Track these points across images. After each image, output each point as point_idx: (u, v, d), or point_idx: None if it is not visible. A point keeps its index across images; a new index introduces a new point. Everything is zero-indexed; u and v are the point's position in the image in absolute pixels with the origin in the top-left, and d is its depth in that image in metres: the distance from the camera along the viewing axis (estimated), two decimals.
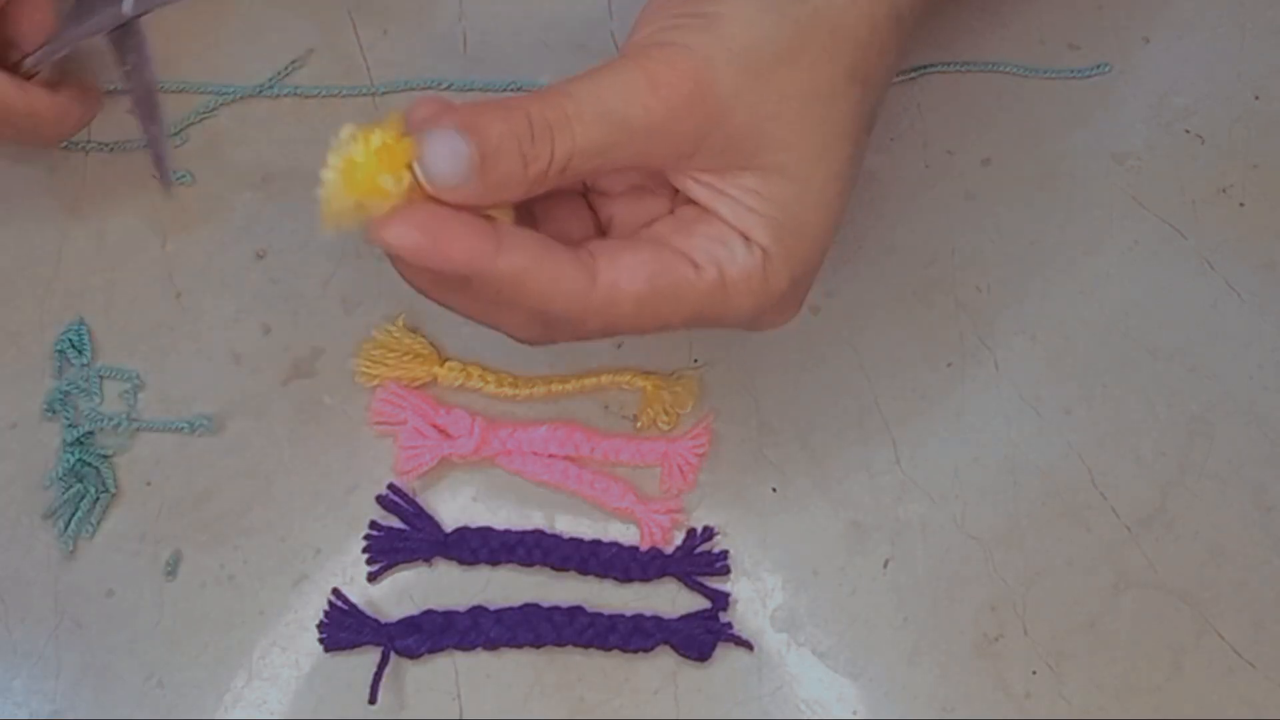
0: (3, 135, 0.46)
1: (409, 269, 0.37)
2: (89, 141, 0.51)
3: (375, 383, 0.48)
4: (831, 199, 0.39)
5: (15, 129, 0.45)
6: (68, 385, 0.48)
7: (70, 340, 0.48)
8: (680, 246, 0.38)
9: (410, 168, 0.34)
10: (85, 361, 0.48)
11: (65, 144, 0.51)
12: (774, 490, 0.48)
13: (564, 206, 0.41)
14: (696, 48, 0.37)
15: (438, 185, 0.34)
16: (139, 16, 0.44)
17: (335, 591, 0.45)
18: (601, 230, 0.41)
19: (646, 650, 0.45)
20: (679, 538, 0.47)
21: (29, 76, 0.46)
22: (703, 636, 0.45)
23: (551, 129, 0.35)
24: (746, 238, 0.38)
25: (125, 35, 0.46)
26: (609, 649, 0.45)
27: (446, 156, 0.34)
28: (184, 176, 0.51)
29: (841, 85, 0.39)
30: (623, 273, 0.37)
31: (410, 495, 0.47)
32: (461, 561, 0.46)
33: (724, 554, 0.46)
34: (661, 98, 0.36)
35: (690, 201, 0.39)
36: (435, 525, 0.47)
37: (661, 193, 0.41)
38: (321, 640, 0.45)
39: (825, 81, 0.38)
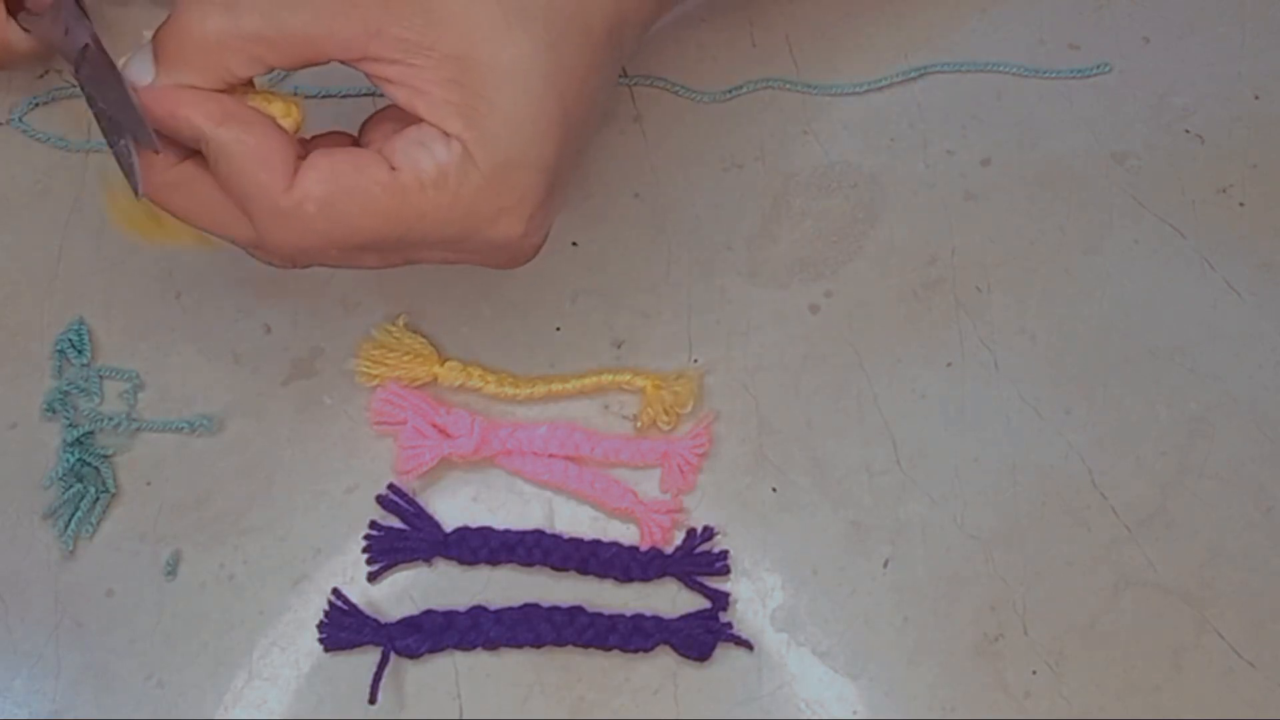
0: None
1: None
2: (89, 142, 0.51)
3: (375, 383, 0.48)
4: (533, 85, 0.37)
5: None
6: (68, 385, 0.48)
7: (70, 340, 0.48)
8: (385, 151, 0.37)
9: None
10: (85, 361, 0.48)
11: (64, 145, 0.51)
12: (774, 490, 0.48)
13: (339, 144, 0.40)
14: None
15: (137, 85, 0.37)
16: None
17: (335, 591, 0.45)
18: None
19: (646, 650, 0.45)
20: (679, 538, 0.47)
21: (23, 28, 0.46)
22: (703, 636, 0.45)
23: (217, 6, 0.36)
24: (445, 132, 0.37)
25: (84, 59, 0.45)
26: (609, 649, 0.45)
27: (135, 61, 0.37)
28: None
29: None
30: (314, 173, 0.37)
31: (410, 495, 0.47)
32: (461, 561, 0.46)
33: (724, 554, 0.46)
34: None
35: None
36: (435, 525, 0.47)
37: None
38: (321, 640, 0.45)
39: None
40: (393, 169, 0.37)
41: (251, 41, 0.36)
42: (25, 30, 0.45)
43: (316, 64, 0.37)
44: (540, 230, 0.40)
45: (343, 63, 0.37)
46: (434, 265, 0.42)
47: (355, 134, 0.41)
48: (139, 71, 0.37)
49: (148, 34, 0.38)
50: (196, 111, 0.37)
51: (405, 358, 0.48)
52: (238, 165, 0.36)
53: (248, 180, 0.37)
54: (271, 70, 0.37)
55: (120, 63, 0.38)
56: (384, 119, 0.40)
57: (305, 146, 0.39)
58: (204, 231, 0.39)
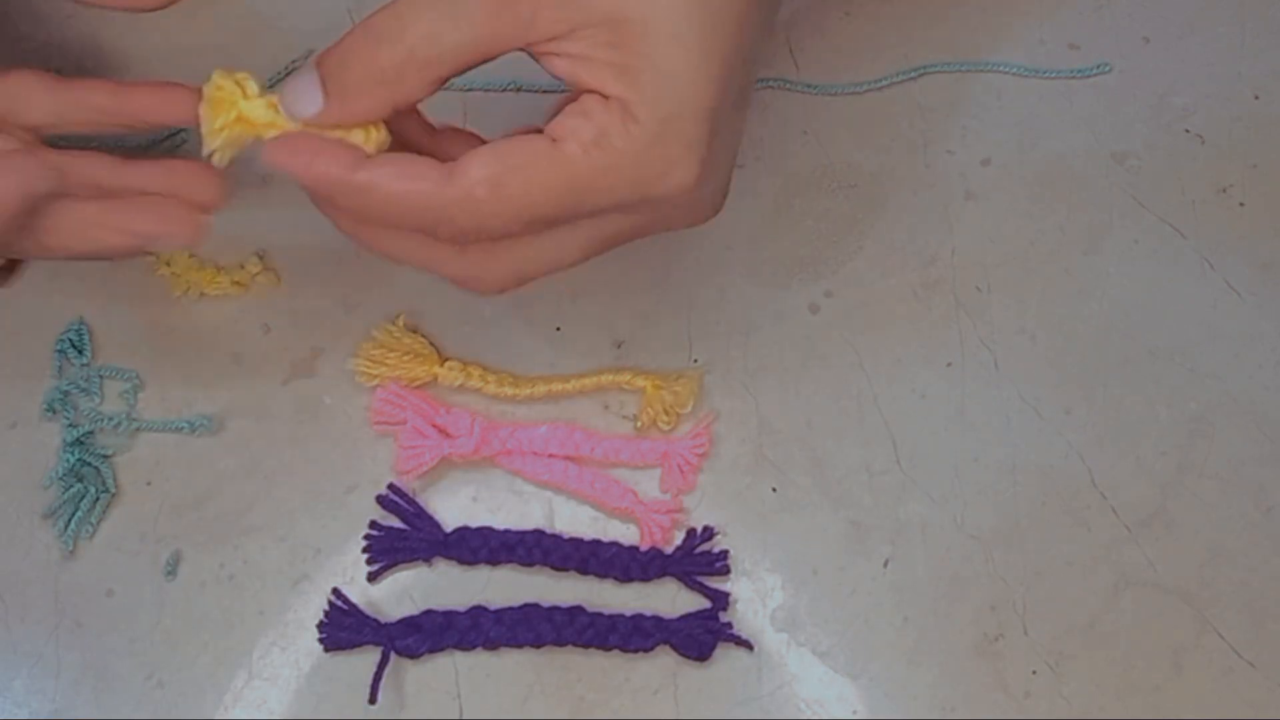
0: None
1: (317, 200, 0.39)
2: (89, 142, 0.51)
3: (375, 382, 0.48)
4: (689, 35, 0.37)
5: None
6: (68, 385, 0.48)
7: (70, 340, 0.48)
8: (546, 128, 0.37)
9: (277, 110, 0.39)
10: (85, 361, 0.48)
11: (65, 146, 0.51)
12: (774, 490, 0.48)
13: None
14: None
15: (296, 116, 0.38)
16: None
17: (335, 591, 0.45)
18: None
19: (646, 650, 0.45)
20: (679, 538, 0.47)
21: None
22: (703, 636, 0.45)
23: (384, 29, 0.37)
24: (604, 95, 0.37)
25: None
26: (609, 649, 0.45)
27: (298, 91, 0.38)
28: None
29: None
30: (475, 160, 0.37)
31: (410, 495, 0.47)
32: (461, 561, 0.46)
33: (724, 554, 0.46)
34: None
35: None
36: (435, 525, 0.47)
37: None
38: (321, 640, 0.45)
39: None
40: (553, 140, 0.37)
41: (425, 65, 0.37)
42: None
43: (483, 63, 0.38)
44: (714, 178, 0.39)
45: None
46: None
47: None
48: (305, 102, 0.38)
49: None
50: (332, 164, 0.37)
51: (405, 358, 0.48)
52: (391, 191, 0.37)
53: (408, 197, 0.37)
54: (442, 86, 0.38)
55: (280, 88, 0.39)
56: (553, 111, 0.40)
57: (442, 141, 0.41)
58: (419, 267, 0.40)
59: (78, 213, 0.41)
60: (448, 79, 0.38)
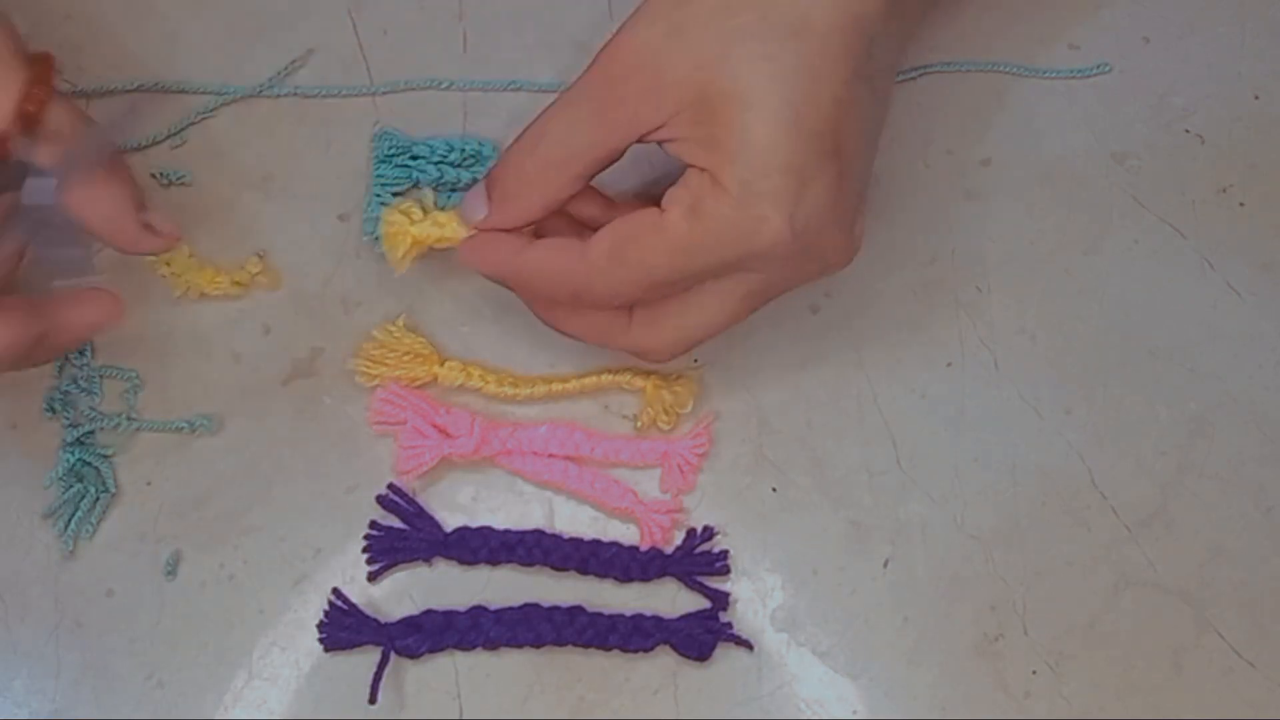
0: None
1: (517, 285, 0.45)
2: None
3: (375, 383, 0.48)
4: (768, 107, 0.40)
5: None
6: (68, 385, 0.48)
7: None
8: (661, 202, 0.42)
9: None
10: (86, 360, 0.48)
11: None
12: (774, 490, 0.48)
13: None
14: (632, 23, 0.42)
15: (470, 222, 0.44)
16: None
17: (335, 591, 0.45)
18: None
19: (646, 650, 0.45)
20: (679, 538, 0.47)
21: None
22: (703, 636, 0.45)
23: (529, 139, 0.43)
24: (699, 167, 0.41)
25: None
26: (609, 649, 0.45)
27: (471, 201, 0.44)
28: (184, 176, 0.51)
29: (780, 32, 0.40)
30: (600, 234, 0.42)
31: (410, 495, 0.47)
32: (461, 561, 0.46)
33: (724, 554, 0.46)
34: (598, 68, 0.42)
35: None
36: (435, 525, 0.47)
37: None
38: (321, 640, 0.45)
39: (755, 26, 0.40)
40: (661, 211, 0.41)
41: (562, 166, 0.42)
42: None
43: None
44: (822, 227, 0.41)
45: None
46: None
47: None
48: (475, 211, 0.44)
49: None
50: (501, 250, 0.44)
51: (405, 358, 0.48)
52: (542, 268, 0.43)
53: (555, 273, 0.43)
54: (587, 183, 0.43)
55: (454, 203, 0.46)
56: None
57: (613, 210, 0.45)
58: (599, 345, 0.45)
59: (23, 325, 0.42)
60: (589, 176, 0.43)
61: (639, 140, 0.42)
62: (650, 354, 0.45)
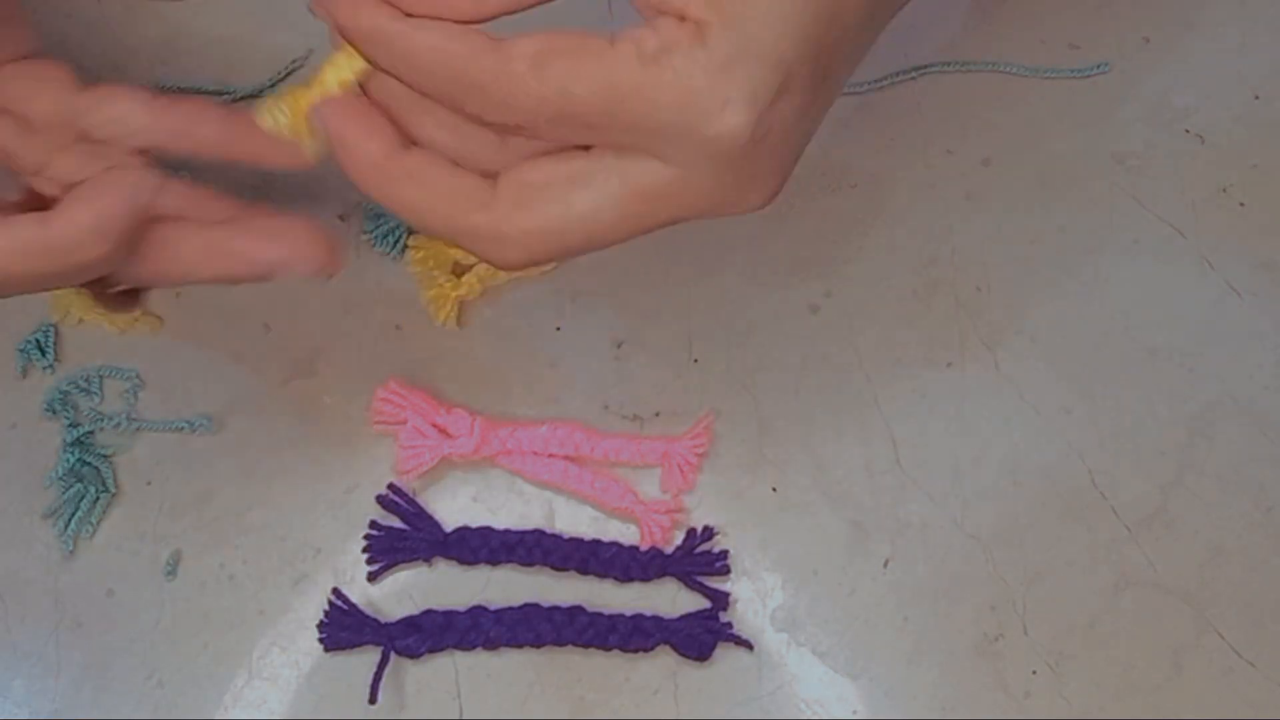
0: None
1: (341, 122, 0.37)
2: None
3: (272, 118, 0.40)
4: None
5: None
6: (68, 385, 0.48)
7: (36, 341, 0.48)
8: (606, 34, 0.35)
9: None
10: (49, 364, 0.48)
11: None
12: (774, 490, 0.48)
13: None
14: None
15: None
16: None
17: (335, 591, 0.45)
18: None
19: (646, 650, 0.45)
20: (679, 538, 0.47)
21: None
22: (703, 636, 0.45)
23: None
24: (682, 16, 0.35)
25: None
26: (609, 649, 0.45)
27: None
28: (184, 176, 0.50)
29: None
30: (526, 37, 0.35)
31: (410, 495, 0.47)
32: (461, 561, 0.46)
33: (724, 554, 0.46)
34: None
35: None
36: (435, 525, 0.47)
37: None
38: (321, 640, 0.45)
39: None
40: (611, 42, 0.35)
41: None
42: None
43: None
44: (768, 153, 0.36)
45: None
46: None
47: None
48: None
49: None
50: (383, 10, 0.35)
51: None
52: (434, 43, 0.35)
53: (448, 55, 0.35)
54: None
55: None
56: None
57: None
58: (429, 225, 0.38)
59: (200, 237, 0.40)
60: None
61: None
62: (504, 243, 0.37)
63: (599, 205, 0.36)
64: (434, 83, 0.35)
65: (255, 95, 0.52)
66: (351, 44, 0.37)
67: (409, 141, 0.38)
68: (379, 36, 0.35)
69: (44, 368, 0.48)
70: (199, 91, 0.52)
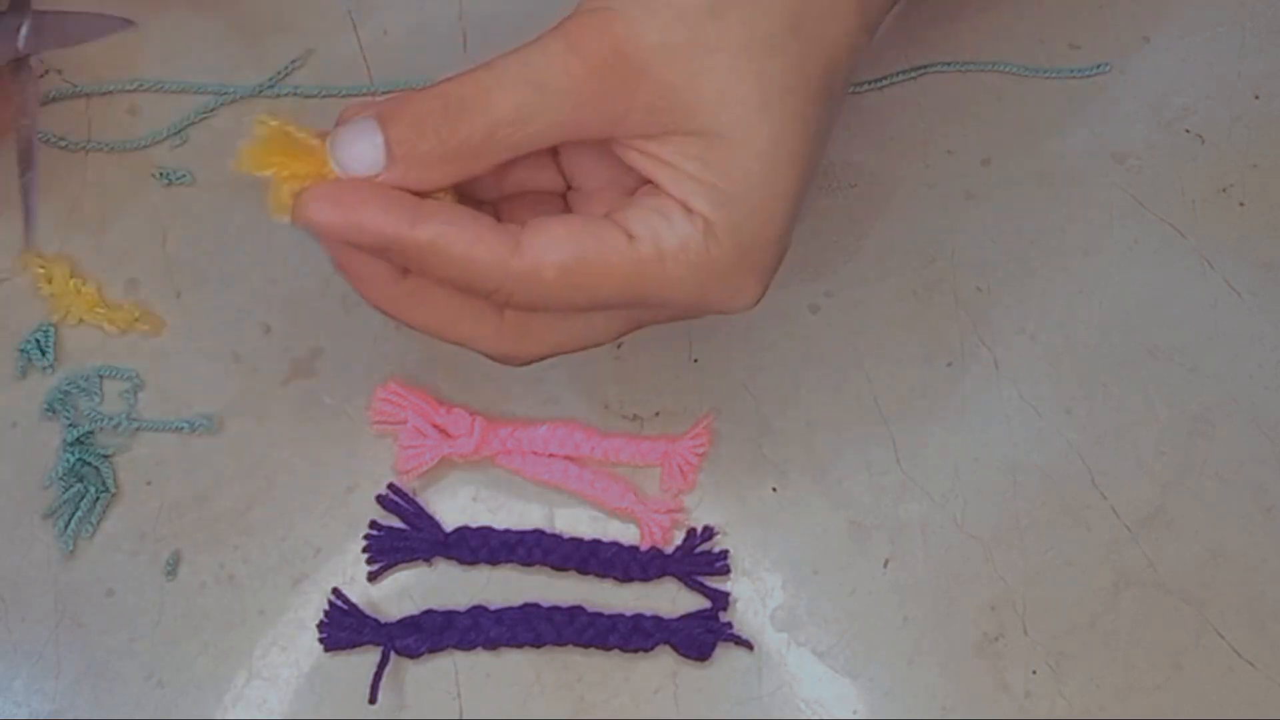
0: None
1: (340, 255, 0.38)
2: (89, 141, 0.51)
3: (262, 171, 0.37)
4: (780, 161, 0.36)
5: None
6: (68, 385, 0.48)
7: (36, 341, 0.48)
8: (618, 219, 0.37)
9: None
10: (49, 364, 0.48)
11: (64, 145, 0.51)
12: (774, 490, 0.48)
13: (538, 207, 0.40)
14: (618, 7, 0.36)
15: (350, 174, 0.35)
16: (28, 56, 0.40)
17: (335, 591, 0.45)
18: None
19: (646, 650, 0.45)
20: (679, 538, 0.47)
21: None
22: (703, 636, 0.45)
23: (466, 102, 0.35)
24: (687, 208, 0.36)
25: (16, 70, 0.42)
26: (609, 649, 0.45)
27: (356, 145, 0.35)
28: (184, 176, 0.51)
29: (778, 39, 0.36)
30: (548, 240, 0.36)
31: (410, 495, 0.47)
32: (461, 561, 0.46)
33: (724, 554, 0.46)
34: (580, 58, 0.35)
35: (646, 182, 0.38)
36: (435, 525, 0.47)
37: (636, 186, 0.39)
38: (321, 640, 0.45)
39: (759, 35, 0.36)
40: (630, 237, 0.36)
41: (505, 145, 0.35)
42: None
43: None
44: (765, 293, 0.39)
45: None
46: None
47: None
48: (363, 159, 0.35)
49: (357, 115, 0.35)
50: (386, 217, 0.35)
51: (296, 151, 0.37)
52: (454, 255, 0.35)
53: (472, 263, 0.35)
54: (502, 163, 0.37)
55: (325, 137, 0.35)
56: (598, 158, 0.39)
57: (499, 173, 0.39)
58: (450, 342, 0.39)
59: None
60: (516, 155, 0.36)
61: (604, 139, 0.37)
62: (508, 360, 0.40)
63: (595, 334, 0.39)
64: (456, 286, 0.36)
65: (255, 96, 0.52)
66: (342, 261, 0.37)
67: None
68: (397, 245, 0.35)
69: (44, 368, 0.48)
70: (200, 92, 0.52)
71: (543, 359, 0.40)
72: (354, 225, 0.35)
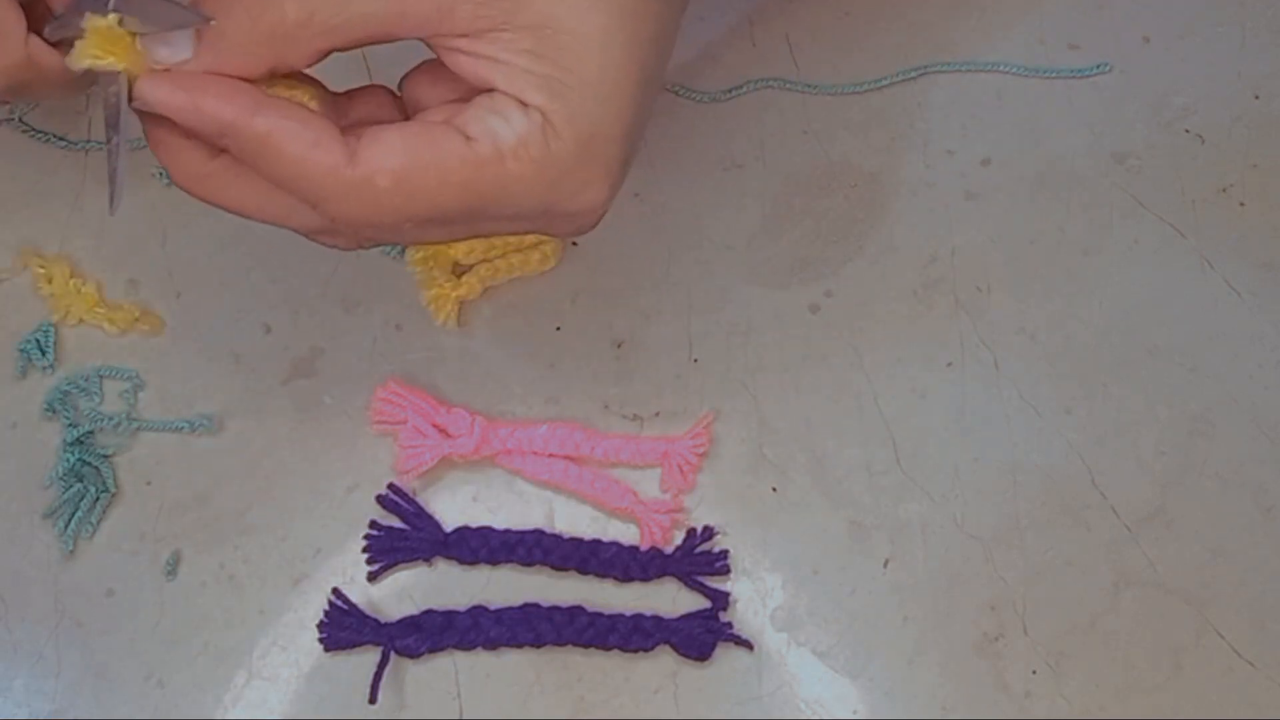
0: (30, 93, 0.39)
1: (154, 129, 0.36)
2: (89, 141, 0.51)
3: (93, 64, 0.35)
4: (614, 50, 0.35)
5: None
6: (68, 385, 0.48)
7: (36, 340, 0.48)
8: (455, 123, 0.35)
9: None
10: (49, 364, 0.48)
11: (64, 144, 0.51)
12: (774, 490, 0.48)
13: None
14: None
15: (163, 63, 0.35)
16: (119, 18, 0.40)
17: (335, 591, 0.45)
18: None
19: (646, 650, 0.45)
20: (679, 538, 0.47)
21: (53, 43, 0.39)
22: (703, 636, 0.45)
23: None
24: (523, 102, 0.35)
25: None
26: (609, 649, 0.45)
27: (170, 33, 0.35)
28: None
29: None
30: (382, 148, 0.35)
31: (410, 495, 0.47)
32: (461, 561, 0.46)
33: (724, 554, 0.46)
34: None
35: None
36: (435, 525, 0.47)
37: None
38: (321, 640, 0.45)
39: None
40: (467, 138, 0.35)
41: (322, 31, 0.34)
42: (53, 46, 0.38)
43: (379, 43, 0.35)
44: (614, 196, 0.38)
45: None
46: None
47: (393, 89, 0.39)
48: (174, 48, 0.34)
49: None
50: (226, 104, 0.34)
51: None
52: (288, 152, 0.34)
53: (305, 165, 0.34)
54: (326, 57, 0.35)
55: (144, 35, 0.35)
56: (434, 80, 0.38)
57: (343, 104, 0.38)
58: (259, 221, 0.37)
59: None
60: (335, 51, 0.35)
61: (428, 38, 0.35)
62: (330, 243, 0.38)
63: (431, 233, 0.37)
64: (286, 185, 0.35)
65: None
66: (157, 141, 0.36)
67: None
68: (232, 132, 0.34)
69: (44, 368, 0.48)
70: None
71: (368, 247, 0.39)
72: (193, 107, 0.34)
